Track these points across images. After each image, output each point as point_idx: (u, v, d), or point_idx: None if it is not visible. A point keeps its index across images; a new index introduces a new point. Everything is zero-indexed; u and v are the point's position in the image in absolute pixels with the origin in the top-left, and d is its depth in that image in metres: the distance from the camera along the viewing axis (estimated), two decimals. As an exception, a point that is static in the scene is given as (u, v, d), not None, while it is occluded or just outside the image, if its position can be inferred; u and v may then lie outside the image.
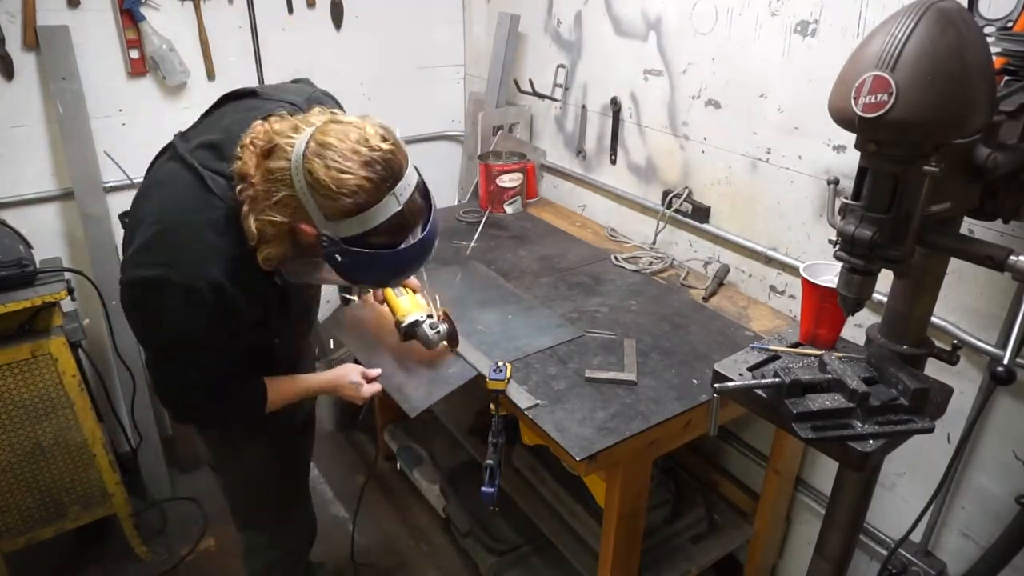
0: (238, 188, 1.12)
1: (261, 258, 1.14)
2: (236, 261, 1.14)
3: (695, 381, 1.49)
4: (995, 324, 1.41)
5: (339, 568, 2.21)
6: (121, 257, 1.23)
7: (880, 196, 0.92)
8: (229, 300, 1.14)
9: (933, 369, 1.18)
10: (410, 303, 1.59)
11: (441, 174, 2.93)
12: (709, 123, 1.93)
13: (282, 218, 1.09)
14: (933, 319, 1.27)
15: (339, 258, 1.11)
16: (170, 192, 1.16)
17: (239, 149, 1.13)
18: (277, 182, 1.07)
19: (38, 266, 1.85)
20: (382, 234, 1.10)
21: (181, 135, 1.24)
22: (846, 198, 0.97)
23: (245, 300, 1.17)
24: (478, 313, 1.79)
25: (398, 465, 2.54)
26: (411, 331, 1.55)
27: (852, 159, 0.98)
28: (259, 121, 1.15)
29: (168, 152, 1.23)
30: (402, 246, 1.13)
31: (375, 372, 1.57)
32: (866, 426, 0.99)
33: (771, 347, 1.24)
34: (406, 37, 2.69)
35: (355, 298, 1.88)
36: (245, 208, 1.12)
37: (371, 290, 1.70)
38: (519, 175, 2.44)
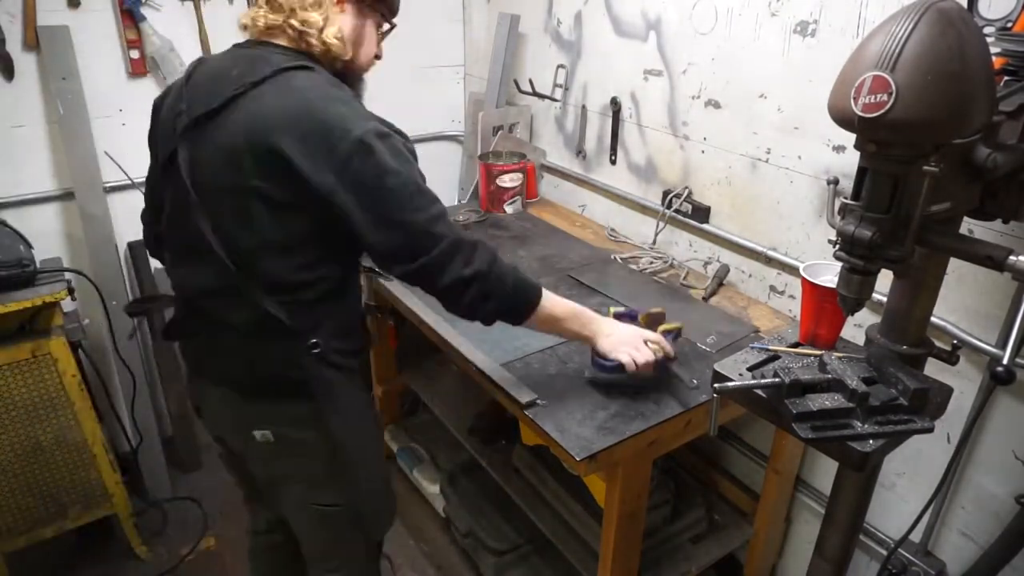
0: (283, 30, 1.21)
1: (334, 36, 1.22)
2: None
3: (695, 381, 1.49)
4: (995, 324, 1.41)
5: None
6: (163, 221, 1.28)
7: (880, 196, 0.92)
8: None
9: (933, 369, 1.18)
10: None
11: (441, 174, 2.93)
12: (709, 123, 1.93)
13: None
14: (933, 319, 1.27)
15: None
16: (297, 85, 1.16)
17: (254, 30, 1.25)
18: None
19: (38, 266, 1.85)
20: None
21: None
22: (846, 198, 0.97)
23: None
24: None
25: (398, 465, 2.55)
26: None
27: (852, 159, 0.98)
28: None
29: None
30: None
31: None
32: (866, 426, 0.99)
33: (771, 347, 1.24)
34: (406, 37, 2.67)
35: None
36: (295, 32, 1.21)
37: None
38: (519, 175, 2.44)
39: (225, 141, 1.14)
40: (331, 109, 1.11)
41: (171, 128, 1.22)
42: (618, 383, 1.45)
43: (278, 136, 1.09)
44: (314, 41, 1.22)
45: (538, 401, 1.43)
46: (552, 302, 1.33)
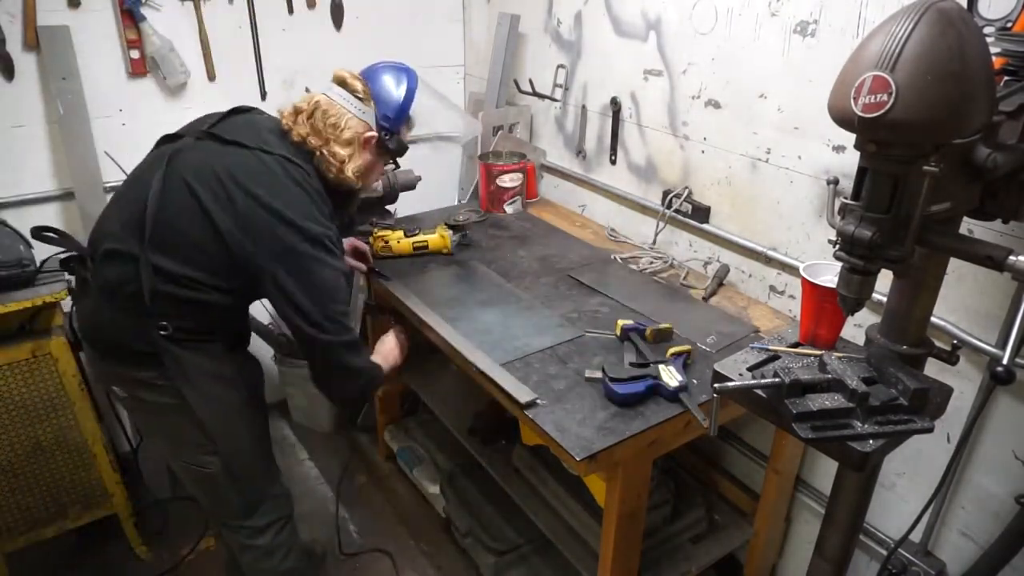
0: (307, 142, 1.50)
1: (352, 171, 1.54)
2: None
3: (695, 381, 1.49)
4: (995, 324, 1.41)
5: (337, 567, 2.22)
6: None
7: (880, 196, 0.92)
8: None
9: (933, 369, 1.18)
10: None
11: (441, 174, 2.92)
12: (709, 123, 1.93)
13: (352, 133, 1.53)
14: (933, 319, 1.27)
15: (390, 144, 1.64)
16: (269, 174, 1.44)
17: (287, 129, 1.51)
18: (336, 115, 1.51)
19: (38, 266, 1.85)
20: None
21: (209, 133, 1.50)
22: (846, 198, 0.97)
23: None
24: (478, 313, 1.79)
25: (398, 465, 2.55)
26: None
27: (852, 159, 0.98)
28: (276, 113, 1.57)
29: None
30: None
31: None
32: (866, 426, 0.99)
33: (771, 347, 1.24)
34: (406, 37, 2.69)
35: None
36: (318, 152, 1.51)
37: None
38: (519, 175, 2.44)
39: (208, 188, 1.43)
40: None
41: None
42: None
43: (253, 204, 1.40)
44: (333, 170, 1.52)
45: (538, 401, 1.43)
46: (384, 363, 1.72)
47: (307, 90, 1.67)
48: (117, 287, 1.42)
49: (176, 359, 1.45)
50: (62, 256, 1.58)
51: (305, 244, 1.39)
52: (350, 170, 1.53)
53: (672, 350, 1.53)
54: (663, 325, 1.64)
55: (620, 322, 1.63)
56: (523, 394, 1.43)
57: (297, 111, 1.52)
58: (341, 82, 1.54)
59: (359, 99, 1.54)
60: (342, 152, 1.51)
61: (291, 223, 1.38)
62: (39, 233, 1.58)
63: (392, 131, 1.63)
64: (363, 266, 2.01)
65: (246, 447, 1.63)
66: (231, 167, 1.40)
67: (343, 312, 1.48)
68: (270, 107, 2.40)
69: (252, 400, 1.63)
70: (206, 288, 1.42)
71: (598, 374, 1.48)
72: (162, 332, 1.42)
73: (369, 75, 1.62)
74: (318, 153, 1.50)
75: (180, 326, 1.43)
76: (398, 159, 1.70)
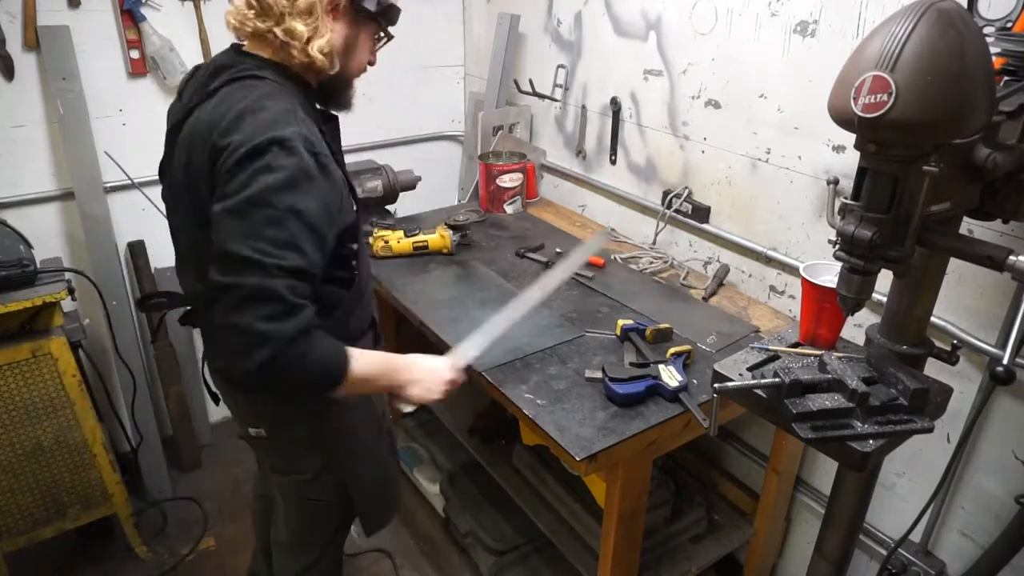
0: (265, 37, 1.17)
1: (319, 49, 1.16)
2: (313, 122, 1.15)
3: (695, 381, 1.49)
4: (995, 324, 1.41)
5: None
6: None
7: (880, 196, 0.92)
8: (327, 159, 1.12)
9: (933, 369, 1.18)
10: None
11: (441, 174, 2.93)
12: (709, 123, 1.93)
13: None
14: (933, 319, 1.27)
15: (366, 4, 1.20)
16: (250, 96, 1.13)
17: (236, 30, 1.20)
18: None
19: (38, 266, 1.85)
20: None
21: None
22: (846, 198, 0.97)
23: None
24: (478, 313, 1.78)
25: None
26: None
27: (852, 159, 0.98)
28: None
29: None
30: None
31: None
32: (866, 426, 0.99)
33: (771, 347, 1.24)
34: (406, 37, 2.68)
35: None
36: (278, 41, 1.16)
37: None
38: (519, 175, 2.44)
39: (180, 150, 1.18)
40: (252, 119, 1.08)
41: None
42: None
43: (202, 148, 1.11)
44: (296, 53, 1.17)
45: (538, 401, 1.43)
46: (362, 365, 1.17)
47: None
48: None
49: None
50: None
51: (246, 149, 1.04)
52: (316, 48, 1.16)
53: (672, 350, 1.53)
54: (663, 325, 1.64)
55: (620, 322, 1.63)
56: (518, 395, 1.43)
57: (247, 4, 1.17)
58: None
59: None
60: (301, 27, 1.15)
61: (242, 115, 1.07)
62: (145, 304, 1.43)
63: None
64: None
65: (374, 479, 1.52)
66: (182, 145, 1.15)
67: (275, 240, 1.03)
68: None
69: (381, 429, 1.53)
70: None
71: (598, 374, 1.48)
72: None
73: None
74: (278, 42, 1.16)
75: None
76: (389, 28, 1.30)
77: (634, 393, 1.41)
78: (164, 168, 1.27)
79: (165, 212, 1.31)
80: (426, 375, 1.30)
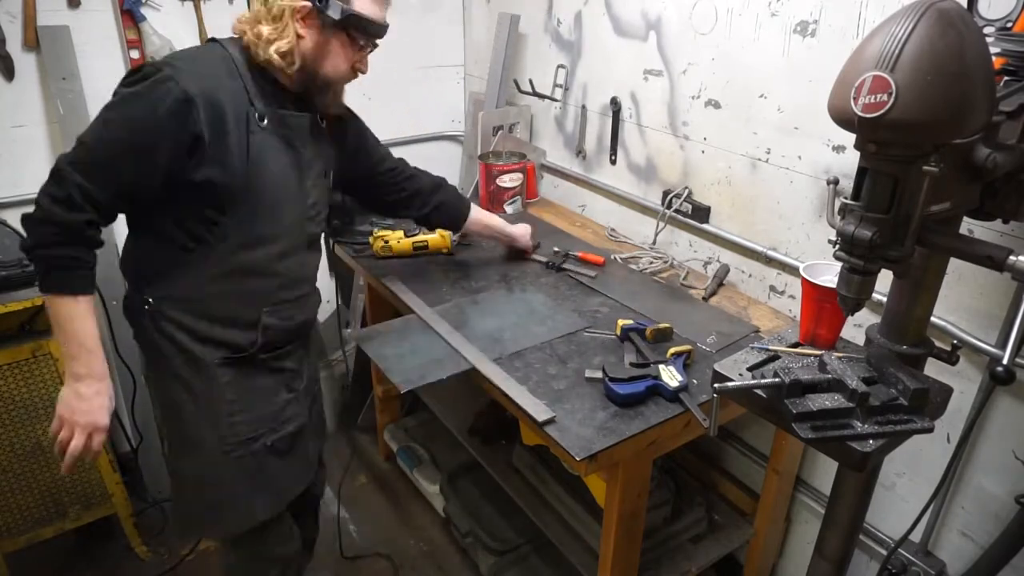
0: (244, 35, 1.34)
1: (273, 50, 1.31)
2: (238, 89, 1.32)
3: (695, 381, 1.49)
4: (995, 324, 1.41)
5: (337, 568, 2.22)
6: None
7: (880, 196, 0.92)
8: (197, 112, 1.24)
9: (933, 369, 1.18)
10: None
11: (441, 174, 2.92)
12: (709, 123, 1.93)
13: (281, 5, 1.30)
14: (933, 319, 1.27)
15: (331, 12, 1.32)
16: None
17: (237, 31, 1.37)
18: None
19: (38, 266, 1.85)
20: None
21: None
22: (846, 198, 0.97)
23: (227, 126, 1.28)
24: (478, 313, 1.79)
25: (398, 464, 2.55)
26: None
27: (852, 159, 0.98)
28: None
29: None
30: None
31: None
32: (866, 426, 0.99)
33: (771, 347, 1.24)
34: (406, 37, 2.69)
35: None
36: (252, 45, 1.33)
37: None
38: (519, 175, 2.44)
39: None
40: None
41: None
42: None
43: None
44: (259, 51, 1.32)
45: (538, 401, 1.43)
46: (64, 315, 1.26)
47: None
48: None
49: (153, 351, 1.44)
50: None
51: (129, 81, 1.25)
52: (273, 48, 1.31)
53: (673, 350, 1.53)
54: (663, 325, 1.64)
55: (621, 322, 1.64)
56: (528, 401, 1.43)
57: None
58: None
59: None
60: (266, 30, 1.31)
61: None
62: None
63: None
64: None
65: (201, 489, 1.49)
66: None
67: (81, 138, 1.23)
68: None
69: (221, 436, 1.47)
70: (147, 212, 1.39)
71: (598, 374, 1.48)
72: (146, 307, 1.40)
73: None
74: (252, 46, 1.33)
75: (159, 297, 1.41)
76: (362, 38, 1.39)
77: (634, 393, 1.41)
78: None
79: None
80: (89, 400, 1.29)
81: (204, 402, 1.44)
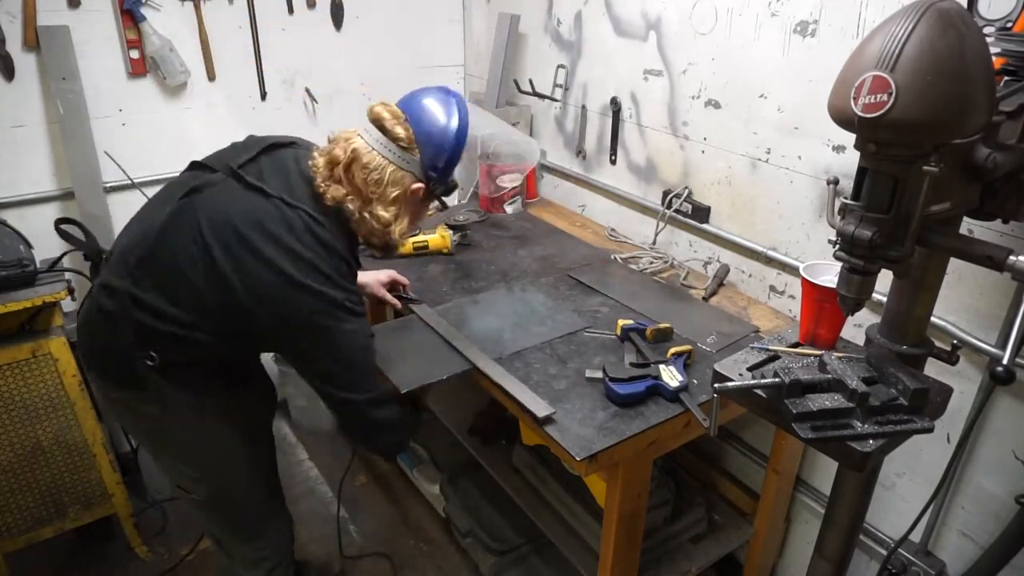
0: (344, 205, 1.32)
1: (399, 233, 1.37)
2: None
3: (695, 381, 1.49)
4: (995, 324, 1.41)
5: (333, 566, 2.22)
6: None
7: (880, 196, 0.92)
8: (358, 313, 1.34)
9: (933, 369, 1.18)
10: None
11: (441, 174, 2.93)
12: (709, 123, 1.93)
13: (398, 191, 1.33)
14: (933, 319, 1.27)
15: (438, 191, 1.40)
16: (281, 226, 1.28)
17: (321, 192, 1.32)
18: (378, 168, 1.31)
19: (38, 266, 1.85)
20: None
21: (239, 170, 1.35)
22: (846, 198, 0.97)
23: None
24: (478, 313, 1.79)
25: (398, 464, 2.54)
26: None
27: (852, 159, 0.98)
28: (310, 160, 1.36)
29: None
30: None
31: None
32: (866, 426, 0.99)
33: (771, 347, 1.24)
34: (406, 37, 2.69)
35: None
36: (358, 215, 1.33)
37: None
38: (519, 175, 2.44)
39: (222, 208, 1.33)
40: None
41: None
42: None
43: (260, 257, 1.28)
44: (377, 233, 1.35)
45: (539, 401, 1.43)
46: None
47: (330, 137, 1.41)
48: (112, 314, 1.33)
49: (158, 387, 1.36)
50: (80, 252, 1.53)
51: (321, 308, 1.27)
52: (397, 232, 1.36)
53: (673, 350, 1.53)
54: (663, 325, 1.64)
55: (621, 322, 1.64)
56: (531, 400, 1.43)
57: (332, 163, 1.32)
58: (379, 123, 1.33)
59: (403, 148, 1.32)
60: (386, 215, 1.33)
61: (304, 287, 1.24)
62: (59, 226, 1.55)
63: (441, 179, 1.38)
64: (397, 303, 1.84)
65: (235, 482, 1.55)
66: (246, 217, 1.27)
67: (364, 371, 1.37)
68: (269, 107, 2.45)
69: (246, 435, 1.54)
70: (192, 328, 1.31)
71: (599, 374, 1.48)
72: (148, 363, 1.32)
73: (410, 109, 1.36)
74: (357, 215, 1.33)
75: (168, 360, 1.33)
76: (445, 199, 1.48)
77: (635, 393, 1.41)
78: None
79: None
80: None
81: (232, 419, 1.51)
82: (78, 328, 1.46)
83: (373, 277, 1.81)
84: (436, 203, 1.48)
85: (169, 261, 1.29)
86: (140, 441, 1.64)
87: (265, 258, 1.23)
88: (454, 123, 1.35)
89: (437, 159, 1.35)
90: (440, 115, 1.35)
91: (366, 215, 1.33)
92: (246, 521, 1.63)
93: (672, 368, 1.46)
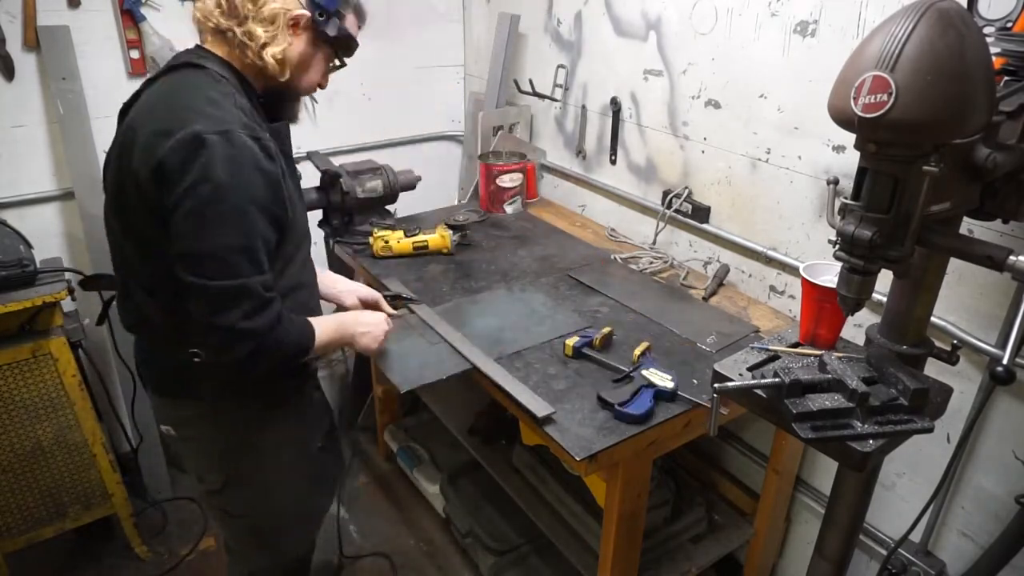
0: (225, 35, 1.22)
1: (271, 55, 1.22)
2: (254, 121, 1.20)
3: (695, 381, 1.49)
4: (995, 324, 1.41)
5: (333, 566, 2.22)
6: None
7: (880, 196, 0.92)
8: (271, 154, 1.18)
9: (933, 369, 1.18)
10: None
11: (441, 174, 2.93)
12: (709, 123, 1.93)
13: (274, 8, 1.21)
14: (933, 319, 1.27)
15: (327, 29, 1.28)
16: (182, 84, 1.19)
17: (200, 30, 1.25)
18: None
19: (38, 266, 1.85)
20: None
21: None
22: (846, 198, 0.97)
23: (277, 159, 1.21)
24: (478, 313, 1.79)
25: (398, 465, 2.55)
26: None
27: (852, 159, 0.98)
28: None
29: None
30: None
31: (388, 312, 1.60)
32: (866, 426, 0.99)
33: (771, 347, 1.24)
34: (406, 37, 2.69)
35: None
36: (237, 41, 1.22)
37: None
38: (519, 175, 2.44)
39: (117, 140, 1.22)
40: (188, 104, 1.13)
41: None
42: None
43: (140, 133, 1.13)
44: (251, 55, 1.23)
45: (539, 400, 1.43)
46: (322, 332, 1.31)
47: None
48: (139, 323, 1.29)
49: (215, 392, 1.30)
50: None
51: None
52: (269, 53, 1.22)
53: (636, 352, 1.52)
54: (604, 330, 1.61)
55: (569, 342, 1.59)
56: (531, 401, 1.43)
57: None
58: None
59: None
60: (260, 31, 1.21)
61: (178, 121, 1.10)
62: (90, 286, 1.54)
63: (328, 11, 1.27)
64: (392, 311, 1.70)
65: (282, 510, 1.50)
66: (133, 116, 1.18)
67: (232, 248, 1.12)
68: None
69: (301, 456, 1.47)
70: (153, 278, 1.21)
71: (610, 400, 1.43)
72: (195, 359, 1.21)
73: None
74: (231, 35, 1.21)
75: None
76: (344, 57, 1.37)
77: (648, 407, 1.39)
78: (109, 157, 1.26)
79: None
80: (372, 326, 1.45)
81: (285, 429, 1.43)
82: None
83: (350, 288, 1.66)
84: (336, 60, 1.36)
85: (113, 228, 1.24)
86: (190, 467, 1.50)
87: (144, 129, 1.13)
88: None
89: None
90: None
91: (238, 32, 1.21)
92: (276, 551, 1.60)
93: (653, 369, 1.46)
